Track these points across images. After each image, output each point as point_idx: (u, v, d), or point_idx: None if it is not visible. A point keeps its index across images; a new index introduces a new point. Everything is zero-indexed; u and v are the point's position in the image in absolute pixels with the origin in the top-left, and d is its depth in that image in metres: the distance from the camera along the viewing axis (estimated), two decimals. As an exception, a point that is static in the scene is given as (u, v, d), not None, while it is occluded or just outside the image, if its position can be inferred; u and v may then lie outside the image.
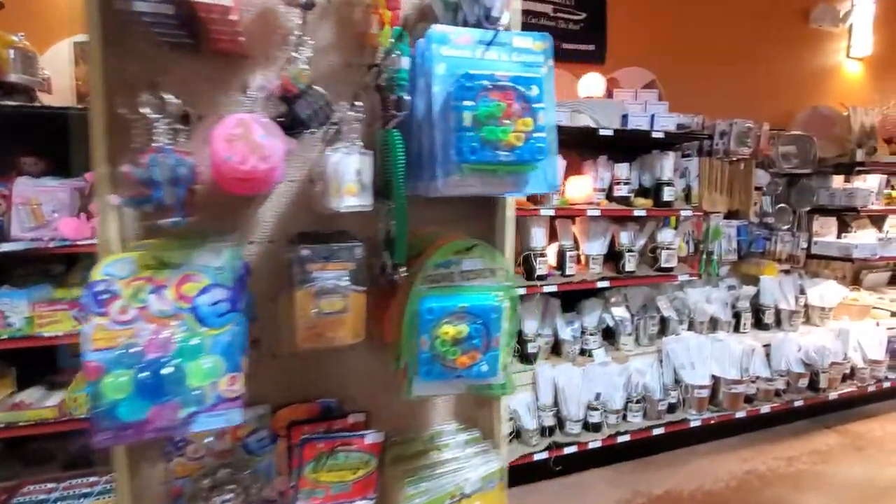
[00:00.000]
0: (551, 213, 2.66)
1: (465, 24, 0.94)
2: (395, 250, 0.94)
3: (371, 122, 1.02)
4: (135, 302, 0.78)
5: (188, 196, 0.82)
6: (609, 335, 3.13)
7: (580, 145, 3.11)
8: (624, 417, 2.88)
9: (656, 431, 2.87)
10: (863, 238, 3.84)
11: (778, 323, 3.54)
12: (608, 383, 2.82)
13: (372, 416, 1.14)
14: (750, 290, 3.47)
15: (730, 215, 3.50)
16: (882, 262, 3.86)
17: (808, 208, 3.74)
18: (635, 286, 3.12)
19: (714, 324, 3.35)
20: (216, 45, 0.91)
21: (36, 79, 2.23)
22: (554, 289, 2.71)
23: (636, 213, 2.87)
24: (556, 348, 2.97)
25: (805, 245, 3.77)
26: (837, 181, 3.95)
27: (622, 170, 2.94)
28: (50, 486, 2.10)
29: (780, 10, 4.01)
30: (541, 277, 2.69)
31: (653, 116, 2.83)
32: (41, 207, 2.13)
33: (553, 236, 2.95)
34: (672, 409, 2.98)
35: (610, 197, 2.97)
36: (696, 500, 2.64)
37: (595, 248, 2.94)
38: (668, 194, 2.94)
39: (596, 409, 2.75)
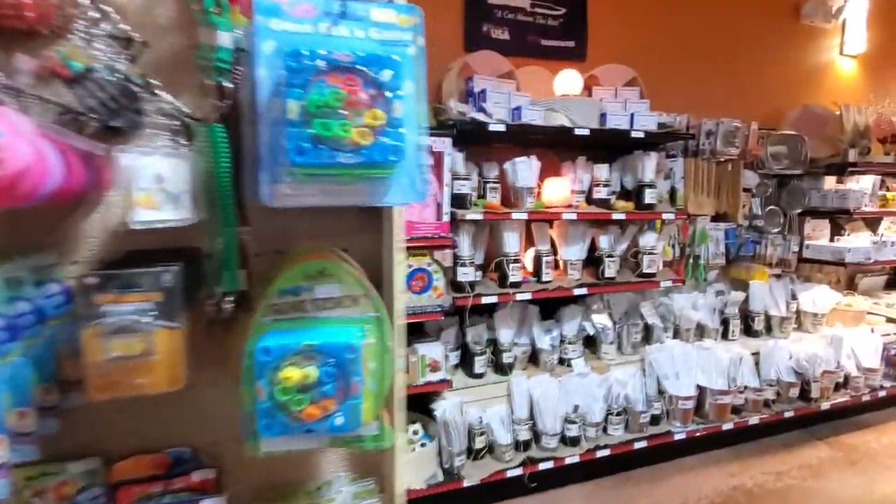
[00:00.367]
0: (524, 216, 2.54)
1: None
2: (221, 274, 0.78)
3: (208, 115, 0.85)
4: None
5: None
6: (591, 343, 3.00)
7: (557, 146, 2.99)
8: (604, 430, 2.75)
9: (638, 445, 2.74)
10: (856, 241, 3.72)
11: (768, 330, 3.41)
12: (587, 394, 2.69)
13: (237, 467, 0.96)
14: (739, 295, 3.33)
15: (718, 218, 3.37)
16: (877, 266, 3.73)
17: (799, 210, 3.62)
18: (618, 292, 2.99)
19: (701, 331, 3.21)
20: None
21: None
22: (528, 296, 2.58)
23: (616, 216, 2.75)
24: (533, 358, 2.84)
25: (796, 248, 3.64)
26: (830, 182, 3.82)
27: (602, 171, 2.80)
28: None
29: (769, 5, 3.88)
30: (514, 284, 2.56)
31: (632, 115, 2.70)
32: None
33: (530, 240, 2.83)
34: (655, 421, 2.84)
35: (589, 199, 2.83)
36: (679, 519, 2.51)
37: (573, 252, 2.81)
38: (650, 197, 2.81)
39: (574, 422, 2.62)
